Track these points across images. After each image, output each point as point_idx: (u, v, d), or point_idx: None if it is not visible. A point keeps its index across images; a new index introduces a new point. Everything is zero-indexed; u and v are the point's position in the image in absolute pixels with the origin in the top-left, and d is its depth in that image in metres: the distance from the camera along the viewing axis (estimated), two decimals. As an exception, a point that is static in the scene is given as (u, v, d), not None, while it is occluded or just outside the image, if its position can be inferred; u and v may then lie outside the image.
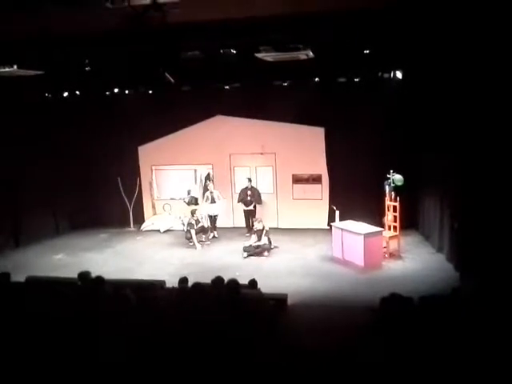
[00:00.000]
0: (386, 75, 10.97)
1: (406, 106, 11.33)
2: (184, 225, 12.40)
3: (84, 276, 6.37)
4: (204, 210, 12.70)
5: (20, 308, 5.42)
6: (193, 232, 11.76)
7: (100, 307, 5.25)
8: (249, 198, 12.70)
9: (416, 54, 8.74)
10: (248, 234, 12.38)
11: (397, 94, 11.12)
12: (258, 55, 7.75)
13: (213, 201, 12.66)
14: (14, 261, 10.78)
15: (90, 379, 4.26)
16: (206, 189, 13.20)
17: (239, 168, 13.56)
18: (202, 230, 12.14)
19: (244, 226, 12.97)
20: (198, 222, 12.01)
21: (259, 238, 11.02)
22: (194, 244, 11.76)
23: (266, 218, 12.55)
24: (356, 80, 11.34)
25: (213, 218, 12.76)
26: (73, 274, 6.87)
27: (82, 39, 7.45)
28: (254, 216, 12.71)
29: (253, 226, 12.39)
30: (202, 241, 12.16)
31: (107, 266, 10.33)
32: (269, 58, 7.91)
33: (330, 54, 8.65)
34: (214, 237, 12.68)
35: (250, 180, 12.80)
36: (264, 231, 11.05)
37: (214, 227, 12.77)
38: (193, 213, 12.04)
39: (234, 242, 12.14)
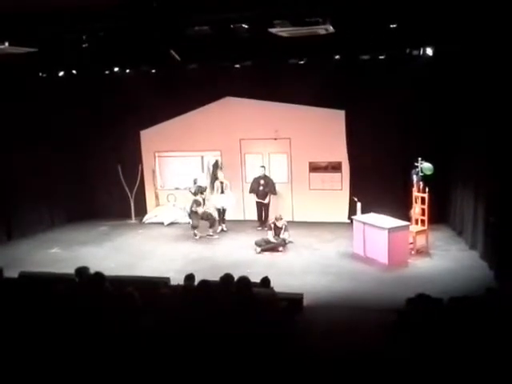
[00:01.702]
0: (414, 52, 10.83)
1: (436, 86, 11.20)
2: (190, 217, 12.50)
3: (82, 272, 6.42)
4: (212, 202, 12.76)
5: (13, 306, 5.52)
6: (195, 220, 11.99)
7: (101, 306, 5.32)
8: (261, 188, 12.71)
9: (449, 27, 8.60)
10: (260, 228, 12.42)
11: (427, 73, 10.98)
12: (272, 30, 7.71)
13: (222, 192, 12.70)
14: (5, 255, 10.91)
15: (90, 381, 4.34)
16: (214, 178, 13.23)
17: (250, 155, 13.56)
18: (209, 219, 12.28)
19: (256, 218, 12.99)
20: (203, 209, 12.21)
21: (276, 235, 11.04)
22: (196, 234, 11.93)
23: (280, 210, 12.56)
24: (381, 57, 11.22)
25: (221, 211, 12.83)
26: (69, 269, 6.95)
27: (79, 13, 7.47)
28: (268, 208, 12.73)
29: (266, 218, 12.43)
30: (209, 234, 12.27)
31: (106, 261, 10.43)
32: (284, 34, 7.86)
33: (352, 28, 8.56)
34: (222, 230, 12.74)
35: (264, 168, 12.81)
36: (284, 227, 11.09)
37: (222, 220, 12.84)
38: (198, 203, 12.15)
39: (244, 236, 12.20)
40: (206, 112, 13.31)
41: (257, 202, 12.89)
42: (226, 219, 12.92)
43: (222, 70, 12.22)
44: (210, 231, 12.35)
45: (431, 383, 4.07)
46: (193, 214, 12.21)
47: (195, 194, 12.75)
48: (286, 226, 11.15)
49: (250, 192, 12.93)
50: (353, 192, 12.66)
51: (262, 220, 12.72)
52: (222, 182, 12.72)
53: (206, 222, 12.32)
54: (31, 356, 4.74)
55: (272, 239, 11.01)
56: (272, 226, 11.20)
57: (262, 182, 12.73)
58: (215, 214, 12.71)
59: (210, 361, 4.60)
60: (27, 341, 4.91)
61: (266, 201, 12.75)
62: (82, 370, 4.53)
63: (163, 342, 4.82)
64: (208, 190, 13.17)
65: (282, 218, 11.21)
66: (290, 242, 11.33)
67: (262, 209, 12.83)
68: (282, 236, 11.04)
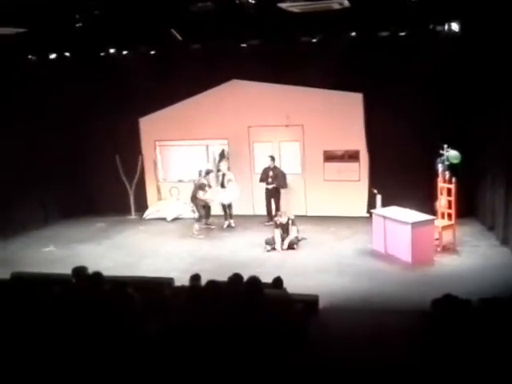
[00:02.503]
0: (439, 28, 10.75)
1: (464, 65, 11.09)
2: (194, 212, 12.54)
3: (79, 272, 6.49)
4: (213, 196, 12.77)
5: (5, 309, 5.58)
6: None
7: (99, 308, 5.37)
8: (270, 180, 12.69)
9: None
10: (267, 223, 12.40)
11: (453, 50, 10.89)
12: (282, 5, 7.70)
13: (223, 185, 12.74)
14: (-4, 254, 11.06)
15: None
16: (218, 169, 13.26)
17: (259, 144, 13.55)
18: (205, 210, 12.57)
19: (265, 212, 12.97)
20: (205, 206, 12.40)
21: (285, 232, 11.03)
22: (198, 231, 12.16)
23: (293, 203, 12.56)
24: (402, 34, 11.14)
25: (226, 205, 12.88)
26: (66, 269, 7.02)
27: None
28: (278, 201, 12.69)
29: (275, 216, 12.42)
30: (207, 224, 12.67)
31: (105, 260, 10.51)
32: (295, 9, 7.86)
33: (369, 2, 8.51)
34: (229, 226, 12.79)
35: (273, 158, 12.77)
36: (290, 221, 11.06)
37: (229, 215, 12.89)
38: (202, 186, 12.35)
39: (253, 232, 12.24)
40: (210, 97, 13.30)
41: (266, 190, 12.73)
42: (234, 214, 12.95)
43: (228, 50, 12.19)
44: (208, 221, 12.70)
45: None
46: (196, 201, 12.33)
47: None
48: (292, 220, 11.09)
49: (261, 181, 12.87)
50: (372, 183, 12.62)
51: (272, 214, 12.69)
52: (224, 175, 12.72)
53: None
54: (24, 363, 4.80)
55: (278, 239, 10.93)
56: (277, 223, 11.08)
57: (270, 173, 12.69)
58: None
59: (217, 366, 4.63)
60: (20, 347, 4.97)
61: (271, 189, 12.62)
62: (79, 376, 4.58)
63: (166, 348, 4.85)
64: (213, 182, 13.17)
65: (285, 213, 11.14)
66: (302, 238, 11.32)
67: (271, 199, 12.76)
68: (291, 233, 11.00)
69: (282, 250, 10.89)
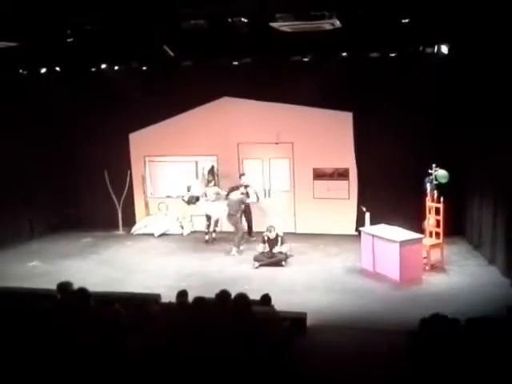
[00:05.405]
0: (428, 49, 10.89)
1: (452, 87, 11.24)
2: (183, 228, 12.53)
3: (64, 287, 6.41)
4: (202, 210, 12.81)
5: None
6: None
7: (84, 325, 5.30)
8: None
9: (465, 23, 8.65)
10: (254, 239, 12.40)
11: (441, 72, 11.03)
12: (274, 25, 7.75)
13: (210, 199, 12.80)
14: (-20, 269, 10.92)
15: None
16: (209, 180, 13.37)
17: (249, 160, 13.57)
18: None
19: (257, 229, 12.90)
20: None
21: (271, 248, 11.01)
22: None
23: (282, 220, 12.54)
24: (392, 55, 11.27)
25: (212, 219, 12.89)
26: (51, 284, 6.95)
27: (64, 4, 7.50)
28: (250, 217, 12.70)
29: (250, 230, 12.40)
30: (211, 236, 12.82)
31: (91, 276, 10.39)
32: (286, 29, 7.91)
33: (360, 23, 8.60)
34: (212, 239, 12.84)
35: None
36: (280, 239, 11.03)
37: (213, 228, 12.91)
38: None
39: (242, 248, 12.16)
40: (201, 113, 13.34)
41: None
42: (223, 231, 12.97)
43: (220, 67, 12.22)
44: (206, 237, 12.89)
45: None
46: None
47: (189, 202, 12.81)
48: (282, 237, 11.08)
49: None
50: (361, 201, 12.66)
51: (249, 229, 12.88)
52: (210, 189, 12.81)
53: None
54: (8, 379, 4.70)
55: (261, 249, 10.97)
56: (265, 238, 11.10)
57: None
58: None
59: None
60: (4, 362, 4.87)
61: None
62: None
63: (151, 367, 4.78)
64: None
65: (274, 228, 11.12)
66: (290, 255, 11.28)
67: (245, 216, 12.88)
68: (279, 249, 10.96)
69: (257, 268, 10.87)
